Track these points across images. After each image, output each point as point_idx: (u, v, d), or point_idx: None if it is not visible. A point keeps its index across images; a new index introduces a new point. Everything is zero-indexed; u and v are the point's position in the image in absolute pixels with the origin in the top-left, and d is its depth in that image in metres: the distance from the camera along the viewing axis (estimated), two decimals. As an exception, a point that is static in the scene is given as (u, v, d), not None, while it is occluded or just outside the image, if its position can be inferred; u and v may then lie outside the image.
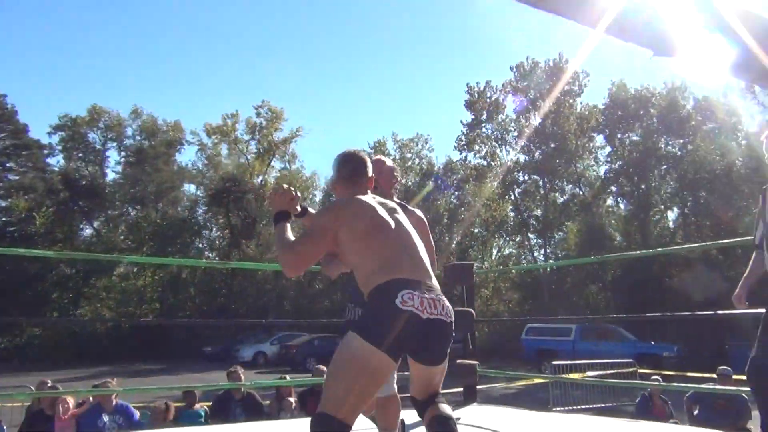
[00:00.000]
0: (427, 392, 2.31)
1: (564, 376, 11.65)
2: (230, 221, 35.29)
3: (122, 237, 34.29)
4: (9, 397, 7.60)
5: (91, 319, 31.81)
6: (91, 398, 6.06)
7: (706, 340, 20.96)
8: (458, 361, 5.35)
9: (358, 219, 2.34)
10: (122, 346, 26.49)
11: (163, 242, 32.39)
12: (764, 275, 2.92)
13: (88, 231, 35.73)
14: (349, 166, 2.61)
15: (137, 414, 6.07)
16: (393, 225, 2.37)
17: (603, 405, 11.17)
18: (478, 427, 4.18)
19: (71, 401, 5.73)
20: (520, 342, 20.71)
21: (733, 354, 15.70)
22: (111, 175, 37.35)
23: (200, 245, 36.35)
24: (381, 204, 2.47)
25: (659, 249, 14.74)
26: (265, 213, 35.49)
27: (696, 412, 6.73)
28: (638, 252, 19.97)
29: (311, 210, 2.86)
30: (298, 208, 2.72)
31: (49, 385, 6.55)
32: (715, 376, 7.18)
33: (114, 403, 5.80)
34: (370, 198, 2.50)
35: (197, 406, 6.82)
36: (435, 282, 2.30)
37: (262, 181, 37.21)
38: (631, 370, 12.98)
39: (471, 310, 5.52)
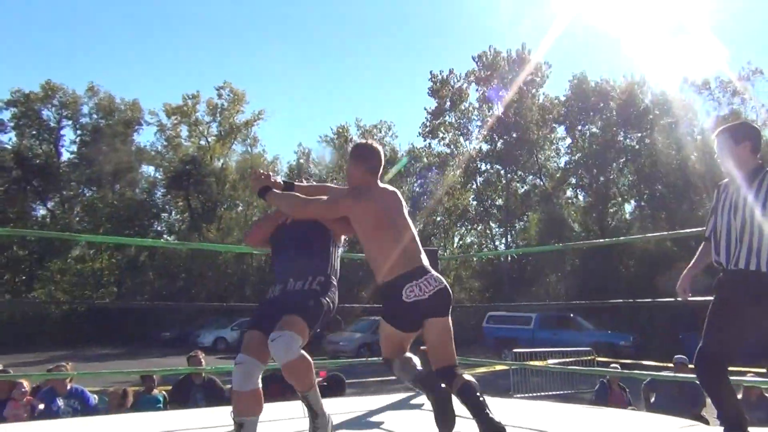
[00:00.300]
0: (445, 360, 2.82)
1: (527, 363, 11.82)
2: (190, 204, 34.74)
3: (77, 218, 33.44)
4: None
5: (47, 301, 31.06)
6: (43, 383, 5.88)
7: (660, 330, 21.47)
8: (422, 347, 5.32)
9: (368, 214, 2.86)
10: (78, 331, 25.94)
11: (121, 224, 31.65)
12: (710, 266, 2.98)
13: (41, 212, 34.74)
14: (375, 160, 3.01)
15: (93, 398, 5.90)
16: (394, 222, 2.91)
17: (562, 392, 11.37)
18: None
19: (26, 385, 5.53)
20: (481, 330, 20.92)
21: (686, 343, 16.12)
22: (66, 155, 36.29)
23: (159, 228, 35.72)
24: (382, 195, 2.95)
25: (620, 238, 15.03)
26: (225, 197, 35.03)
27: (653, 400, 6.87)
28: (602, 240, 20.38)
29: (301, 183, 3.35)
30: (281, 182, 3.13)
31: (0, 368, 6.30)
32: (671, 365, 7.32)
33: (68, 387, 5.62)
34: (379, 191, 2.97)
35: (155, 391, 6.66)
36: (424, 258, 2.90)
37: (222, 164, 36.68)
38: (589, 358, 13.22)
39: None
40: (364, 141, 3.19)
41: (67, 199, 35.33)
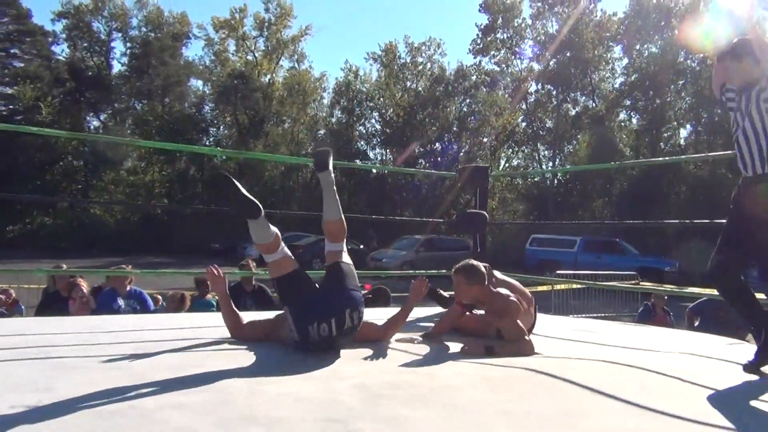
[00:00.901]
0: None
1: (571, 281, 11.84)
2: (237, 119, 34.94)
3: (129, 131, 34.10)
4: (29, 273, 7.73)
5: (109, 201, 32.02)
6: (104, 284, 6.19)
7: (707, 256, 21.10)
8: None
9: None
10: (131, 240, 26.86)
11: (170, 137, 32.07)
12: None
13: (94, 123, 35.53)
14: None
15: (151, 301, 6.20)
16: None
17: (603, 314, 11.40)
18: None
19: (85, 286, 5.83)
20: (524, 252, 20.96)
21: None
22: (117, 67, 36.70)
23: (207, 143, 36.21)
24: None
25: (674, 157, 14.61)
26: (272, 113, 35.09)
27: (697, 323, 6.86)
28: (654, 160, 19.78)
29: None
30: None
31: (64, 268, 6.64)
32: (715, 291, 7.24)
33: (128, 288, 5.91)
34: None
35: (209, 296, 6.94)
36: None
37: (269, 80, 36.55)
38: (633, 282, 13.14)
39: (484, 212, 5.51)
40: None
41: (118, 111, 35.96)
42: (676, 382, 2.67)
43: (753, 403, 2.41)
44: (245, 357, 2.79)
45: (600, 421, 2.07)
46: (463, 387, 2.43)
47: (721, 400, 2.42)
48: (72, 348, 2.88)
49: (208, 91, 37.06)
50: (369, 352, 3.01)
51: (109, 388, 2.19)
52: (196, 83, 38.05)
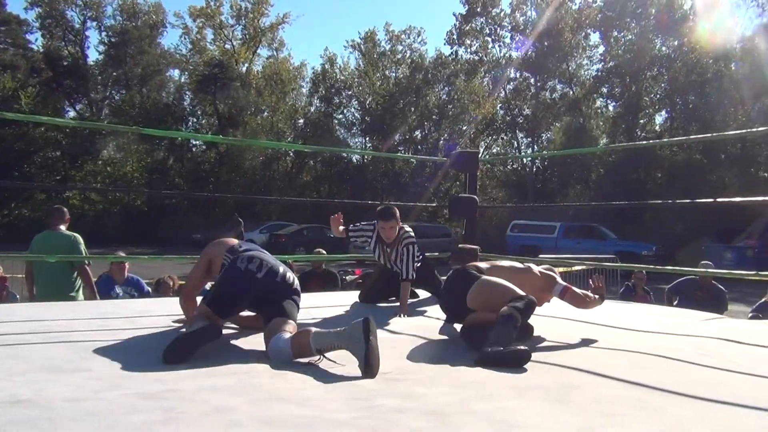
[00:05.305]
0: None
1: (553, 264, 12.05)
2: (217, 109, 34.76)
3: (106, 121, 33.74)
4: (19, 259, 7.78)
5: (92, 188, 31.86)
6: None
7: (682, 241, 21.64)
8: (460, 245, 5.55)
9: None
10: (112, 231, 26.70)
11: (149, 127, 31.89)
12: None
13: (71, 113, 35.09)
14: None
15: (146, 287, 6.31)
16: None
17: (584, 296, 11.64)
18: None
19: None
20: (505, 238, 21.27)
21: (710, 254, 16.26)
22: (93, 56, 36.27)
23: (187, 132, 36.02)
24: None
25: (651, 141, 14.93)
26: (251, 102, 34.94)
27: (676, 302, 7.13)
28: (639, 143, 20.11)
29: None
30: None
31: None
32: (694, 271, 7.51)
33: (126, 275, 6.03)
34: None
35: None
36: None
37: (247, 68, 36.37)
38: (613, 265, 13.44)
39: (474, 196, 5.68)
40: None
41: (95, 101, 35.56)
42: (663, 357, 2.88)
43: (741, 375, 2.62)
44: (260, 341, 2.92)
45: (595, 393, 2.28)
46: (469, 369, 2.61)
47: (709, 373, 2.64)
48: (95, 332, 3.03)
49: (186, 81, 36.78)
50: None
51: (143, 371, 2.34)
52: (174, 72, 37.76)
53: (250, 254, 3.00)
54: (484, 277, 3.17)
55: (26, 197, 29.09)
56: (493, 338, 2.73)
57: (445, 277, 3.77)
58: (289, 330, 2.74)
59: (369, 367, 2.39)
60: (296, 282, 3.05)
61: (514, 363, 2.61)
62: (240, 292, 2.92)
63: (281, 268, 3.00)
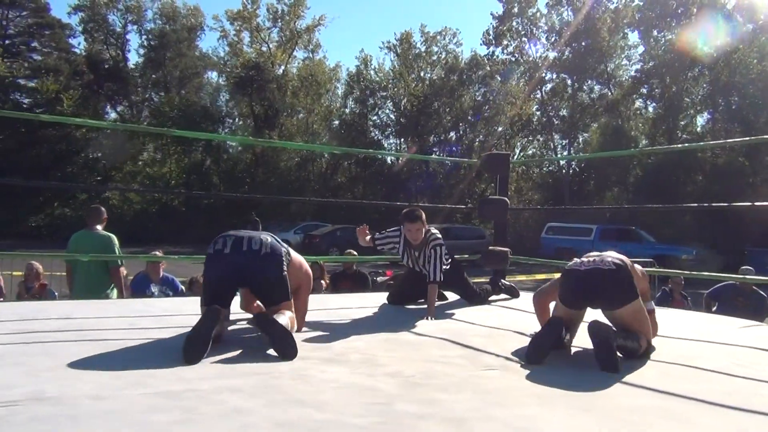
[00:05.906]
0: None
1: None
2: (253, 110, 35.15)
3: (145, 123, 34.41)
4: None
5: (135, 189, 32.55)
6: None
7: (724, 245, 21.07)
8: (490, 248, 5.53)
9: None
10: (149, 231, 27.18)
11: (187, 128, 32.38)
12: None
13: (112, 115, 35.90)
14: None
15: (180, 285, 6.41)
16: None
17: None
18: (520, 310, 4.42)
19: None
20: (540, 241, 21.02)
21: (752, 258, 15.83)
22: (133, 59, 37.08)
23: (224, 133, 36.52)
24: None
25: (695, 144, 14.55)
26: (287, 104, 35.27)
27: (714, 309, 6.94)
28: (679, 146, 19.69)
29: None
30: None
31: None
32: (734, 276, 7.30)
33: (161, 274, 6.13)
34: None
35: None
36: None
37: (283, 71, 36.71)
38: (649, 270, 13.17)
39: (505, 198, 5.64)
40: None
41: (135, 103, 36.31)
42: (694, 367, 2.79)
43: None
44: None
45: (620, 402, 2.21)
46: (494, 375, 2.57)
47: (743, 383, 2.55)
48: (124, 331, 3.09)
49: (223, 83, 37.34)
50: (400, 342, 3.16)
51: (167, 369, 2.37)
52: (212, 75, 38.35)
53: (221, 236, 3.01)
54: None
55: (68, 197, 29.82)
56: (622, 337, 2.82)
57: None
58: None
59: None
60: (266, 246, 2.95)
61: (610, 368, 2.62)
62: (215, 274, 2.93)
63: (246, 239, 2.93)
